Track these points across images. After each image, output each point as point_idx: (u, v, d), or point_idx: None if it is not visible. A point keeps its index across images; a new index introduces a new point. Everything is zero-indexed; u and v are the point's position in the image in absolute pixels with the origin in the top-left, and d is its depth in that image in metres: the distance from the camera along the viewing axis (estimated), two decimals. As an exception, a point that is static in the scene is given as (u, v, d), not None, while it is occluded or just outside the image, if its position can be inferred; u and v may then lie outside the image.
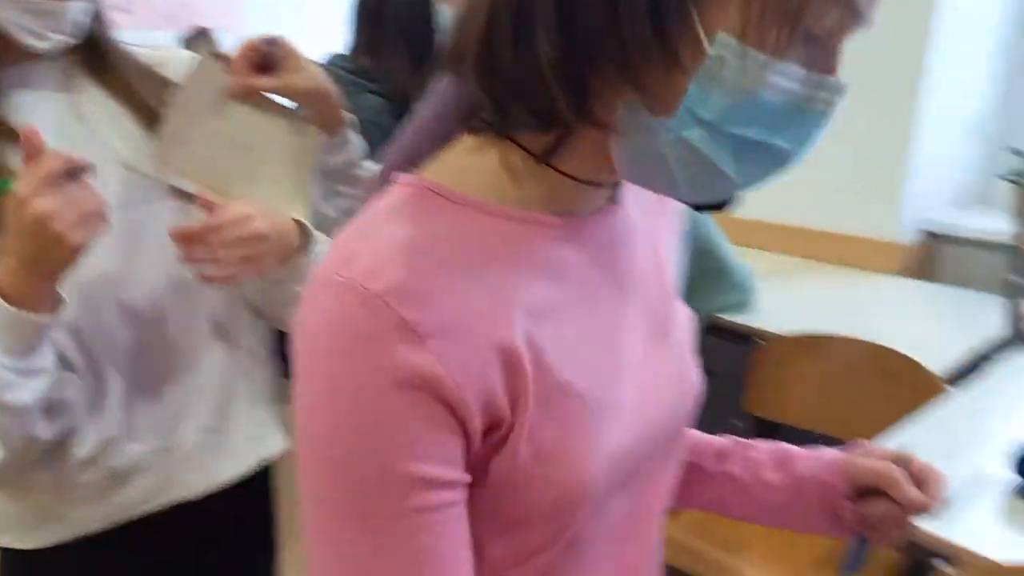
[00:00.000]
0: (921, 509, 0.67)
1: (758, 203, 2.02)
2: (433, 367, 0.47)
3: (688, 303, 2.18)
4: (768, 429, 1.82)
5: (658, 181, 0.53)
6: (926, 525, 1.02)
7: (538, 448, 0.52)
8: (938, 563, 0.98)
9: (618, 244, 0.60)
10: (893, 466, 0.69)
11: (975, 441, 1.24)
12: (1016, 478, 1.10)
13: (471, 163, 0.55)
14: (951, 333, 1.78)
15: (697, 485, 0.75)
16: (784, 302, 2.01)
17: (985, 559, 0.95)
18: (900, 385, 1.54)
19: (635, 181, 0.55)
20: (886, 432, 1.28)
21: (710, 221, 1.92)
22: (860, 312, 1.98)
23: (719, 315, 1.92)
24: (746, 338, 1.84)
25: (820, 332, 1.71)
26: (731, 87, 0.47)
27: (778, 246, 2.45)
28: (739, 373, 1.83)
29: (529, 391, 0.51)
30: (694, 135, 0.48)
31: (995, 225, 2.06)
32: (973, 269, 2.19)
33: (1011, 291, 1.67)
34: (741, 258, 1.92)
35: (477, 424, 0.50)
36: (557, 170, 0.54)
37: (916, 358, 1.56)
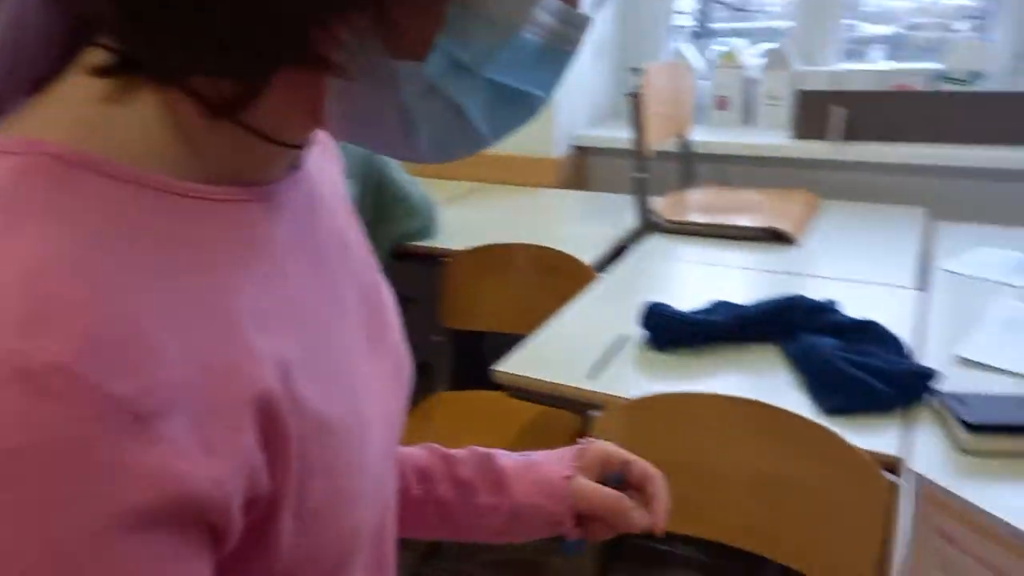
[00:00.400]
0: (646, 529, 0.67)
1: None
2: (173, 468, 0.32)
3: (372, 237, 2.29)
4: (464, 338, 2.03)
5: (387, 137, 0.44)
6: (583, 384, 1.26)
7: (306, 513, 0.41)
8: (592, 413, 1.22)
9: (315, 215, 0.50)
10: (621, 498, 0.67)
11: (618, 312, 1.52)
12: (644, 332, 1.38)
13: (112, 117, 0.38)
14: (600, 230, 2.10)
15: (403, 511, 0.65)
16: (463, 222, 2.21)
17: (621, 398, 1.19)
18: (563, 278, 1.80)
19: (353, 138, 0.44)
20: (551, 317, 1.51)
21: (380, 156, 2.03)
22: (527, 222, 2.24)
23: (405, 243, 2.06)
24: (433, 259, 2.00)
25: (496, 243, 1.92)
26: (496, 23, 0.39)
27: (450, 174, 2.66)
28: (432, 293, 1.99)
29: (291, 446, 0.39)
30: (449, 82, 0.40)
31: (625, 135, 2.44)
32: (614, 175, 2.58)
33: (637, 188, 2.02)
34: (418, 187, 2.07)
35: (238, 523, 0.36)
36: (248, 128, 0.41)
37: (574, 254, 1.84)
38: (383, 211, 2.04)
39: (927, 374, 1.17)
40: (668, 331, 1.36)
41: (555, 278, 1.83)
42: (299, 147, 0.46)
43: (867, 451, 1.05)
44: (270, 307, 0.41)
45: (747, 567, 1.66)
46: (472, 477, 0.68)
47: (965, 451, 1.03)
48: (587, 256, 1.88)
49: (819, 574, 1.09)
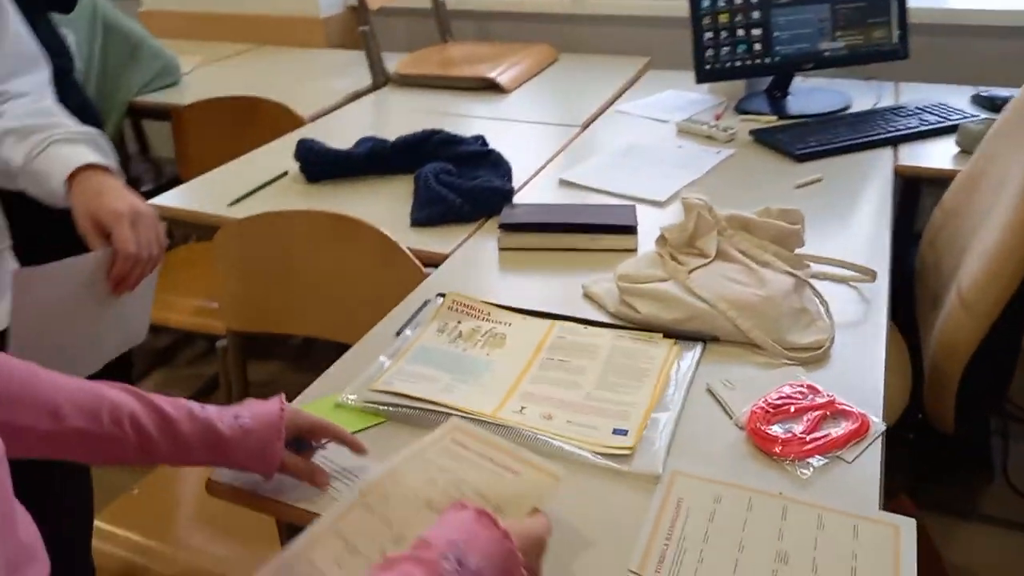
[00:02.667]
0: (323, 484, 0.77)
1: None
2: None
3: (113, 91, 2.32)
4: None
5: None
6: (222, 212, 1.41)
7: None
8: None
9: None
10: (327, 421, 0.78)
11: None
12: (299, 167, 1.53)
13: None
14: (341, 85, 2.19)
15: (100, 446, 0.70)
16: (210, 80, 2.28)
17: (234, 219, 1.35)
18: (275, 125, 1.91)
19: None
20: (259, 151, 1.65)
21: (108, 5, 2.06)
22: (275, 79, 2.30)
23: (142, 96, 2.13)
24: (167, 113, 2.08)
25: (220, 97, 2.01)
26: None
27: (216, 35, 2.68)
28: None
29: None
30: None
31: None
32: (395, 35, 2.65)
33: (365, 43, 2.11)
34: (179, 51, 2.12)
35: None
36: None
37: (297, 106, 1.95)
38: (117, 58, 2.09)
39: (505, 192, 1.36)
40: (316, 164, 1.50)
41: (267, 127, 1.93)
42: None
43: (420, 250, 1.25)
44: None
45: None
46: (190, 437, 0.71)
47: (499, 248, 1.24)
48: (312, 108, 1.99)
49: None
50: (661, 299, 1.02)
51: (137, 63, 2.10)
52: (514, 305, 1.05)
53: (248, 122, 2.00)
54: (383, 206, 1.41)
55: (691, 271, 1.05)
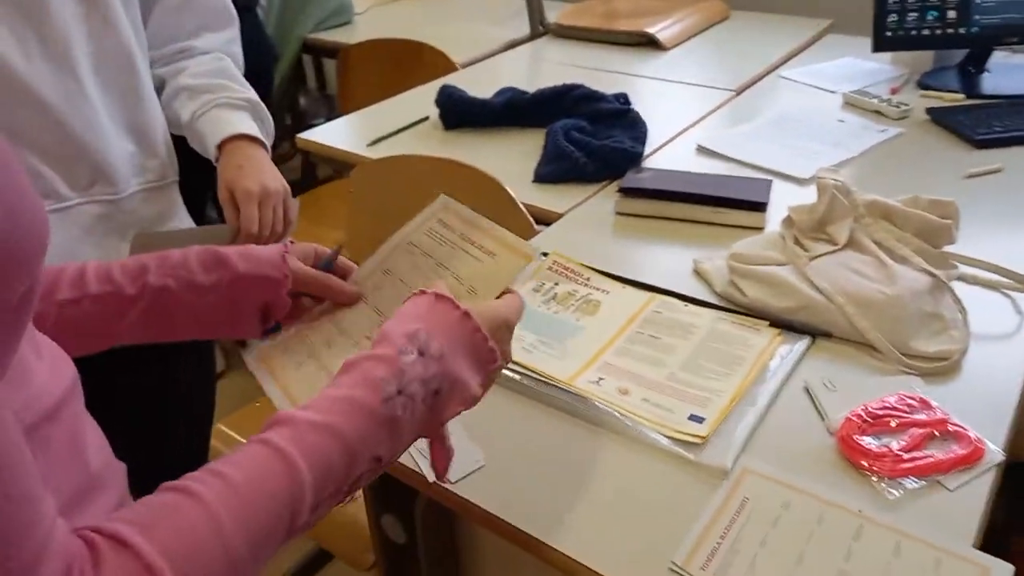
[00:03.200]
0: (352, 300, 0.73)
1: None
2: None
3: (291, 27, 2.47)
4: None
5: None
6: (362, 151, 1.46)
7: None
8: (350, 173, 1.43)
9: None
10: (330, 275, 0.72)
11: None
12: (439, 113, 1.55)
13: None
14: (499, 33, 2.19)
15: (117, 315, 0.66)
16: (379, 21, 2.35)
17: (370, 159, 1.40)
18: (431, 70, 1.95)
19: None
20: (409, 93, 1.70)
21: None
22: (439, 21, 2.34)
23: (316, 33, 2.24)
24: (336, 51, 2.17)
25: (385, 38, 2.07)
26: None
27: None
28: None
29: None
30: None
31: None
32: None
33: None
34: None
35: None
36: None
37: (454, 52, 1.98)
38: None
39: (633, 154, 1.31)
40: (453, 111, 1.52)
41: (425, 70, 1.98)
42: None
43: (535, 207, 1.23)
44: None
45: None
46: (186, 257, 0.67)
47: (617, 212, 1.20)
48: (467, 55, 2.01)
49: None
50: (773, 284, 0.95)
51: (313, 2, 2.21)
52: (618, 273, 1.02)
53: (407, 65, 2.05)
54: (512, 158, 1.41)
55: (813, 258, 0.97)
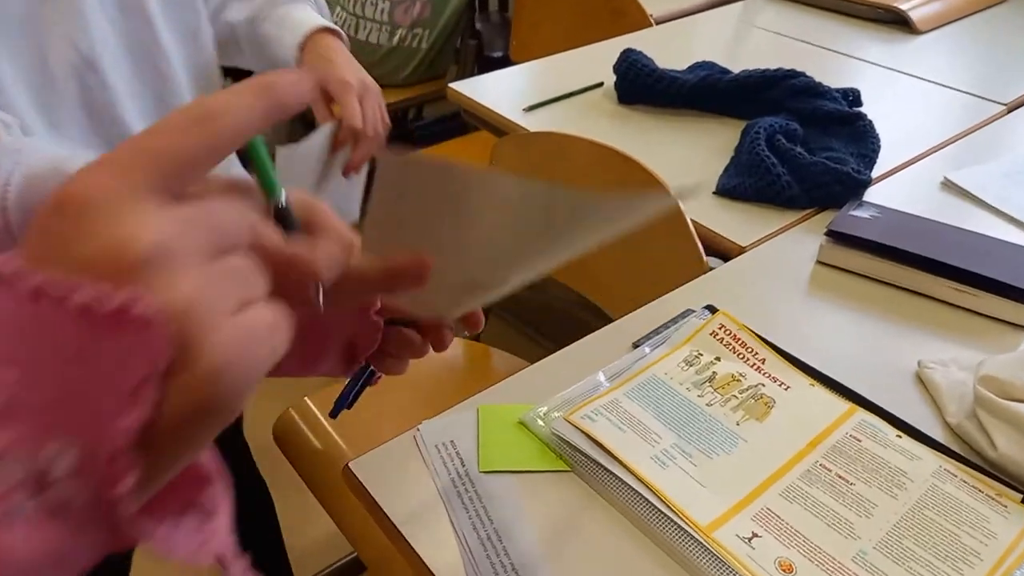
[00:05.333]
0: None
1: None
2: None
3: None
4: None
5: None
6: (516, 117, 1.23)
7: None
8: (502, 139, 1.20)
9: None
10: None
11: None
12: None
13: None
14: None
15: None
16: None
17: (523, 130, 1.16)
18: (624, 20, 1.67)
19: None
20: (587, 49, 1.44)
21: None
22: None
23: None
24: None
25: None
26: None
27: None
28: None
29: None
30: None
31: None
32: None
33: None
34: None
35: None
36: None
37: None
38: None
39: (855, 181, 0.99)
40: (632, 83, 1.24)
41: (613, 20, 1.69)
42: None
43: (711, 230, 0.96)
44: None
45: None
46: None
47: (817, 261, 0.90)
48: (665, 7, 1.70)
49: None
50: (1042, 439, 0.64)
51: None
52: (807, 360, 0.75)
53: (592, 11, 1.77)
54: (694, 155, 1.13)
55: (1114, 409, 0.65)
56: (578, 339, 0.79)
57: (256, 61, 0.90)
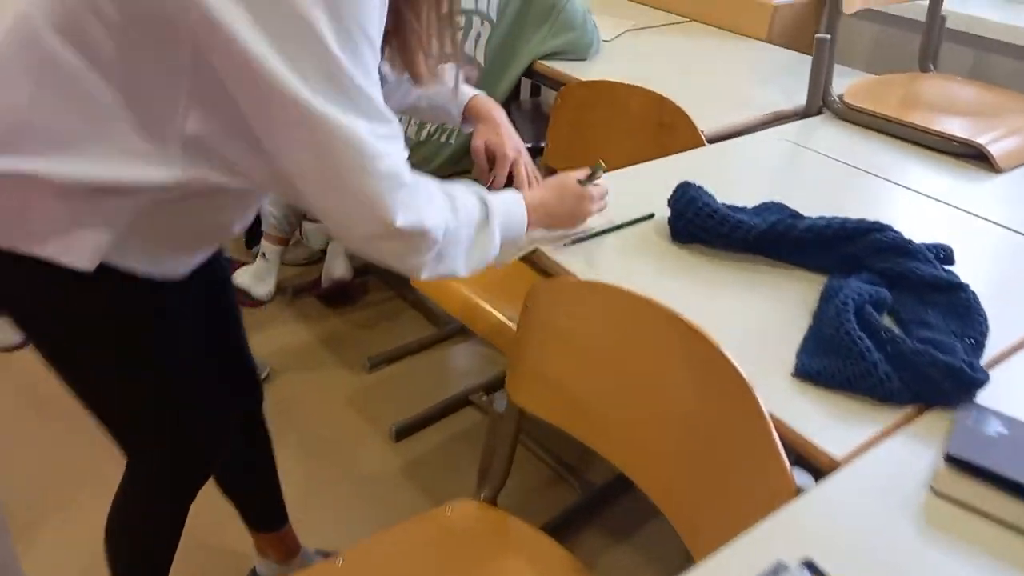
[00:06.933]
0: None
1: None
2: None
3: (515, 41, 2.10)
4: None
5: None
6: (553, 253, 1.07)
7: None
8: (541, 280, 1.04)
9: None
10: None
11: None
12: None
13: None
14: (763, 96, 1.73)
15: None
16: (623, 53, 1.95)
17: (570, 275, 1.01)
18: (671, 136, 1.53)
19: None
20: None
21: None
22: (689, 69, 1.90)
23: (550, 56, 1.87)
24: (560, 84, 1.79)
25: (615, 80, 1.66)
26: None
27: (660, 3, 2.34)
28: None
29: None
30: None
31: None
32: (864, 45, 2.09)
33: (818, 53, 1.59)
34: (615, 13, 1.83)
35: None
36: None
37: (698, 115, 1.54)
38: (532, 17, 1.85)
39: (968, 379, 0.82)
40: (691, 222, 1.09)
41: (663, 134, 1.56)
42: None
43: (797, 434, 0.78)
44: None
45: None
46: None
47: (932, 488, 0.73)
48: (716, 123, 1.56)
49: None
50: None
51: (554, 28, 1.86)
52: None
53: (640, 122, 1.64)
54: (765, 312, 0.96)
55: None
56: None
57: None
